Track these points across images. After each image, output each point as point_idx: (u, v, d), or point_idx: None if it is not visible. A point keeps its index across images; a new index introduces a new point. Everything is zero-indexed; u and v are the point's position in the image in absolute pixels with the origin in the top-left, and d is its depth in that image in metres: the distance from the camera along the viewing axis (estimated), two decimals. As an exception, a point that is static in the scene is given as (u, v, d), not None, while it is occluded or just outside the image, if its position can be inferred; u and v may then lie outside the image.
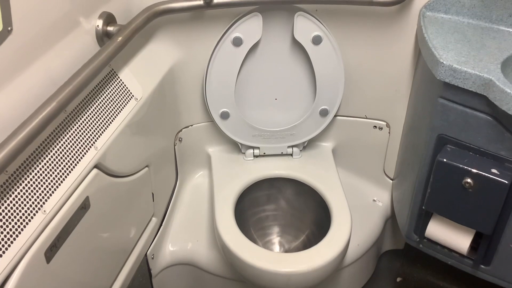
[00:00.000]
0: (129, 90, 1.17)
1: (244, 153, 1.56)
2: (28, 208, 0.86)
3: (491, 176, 1.11)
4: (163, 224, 1.47)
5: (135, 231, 1.29)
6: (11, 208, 0.83)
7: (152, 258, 1.41)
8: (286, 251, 1.53)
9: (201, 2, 1.23)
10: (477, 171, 1.13)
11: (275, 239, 1.56)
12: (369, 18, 1.34)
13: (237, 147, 1.58)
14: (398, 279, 1.73)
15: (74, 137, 0.98)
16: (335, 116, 1.55)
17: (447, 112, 1.15)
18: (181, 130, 1.54)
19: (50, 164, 0.91)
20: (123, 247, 1.25)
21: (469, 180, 1.14)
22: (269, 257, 1.24)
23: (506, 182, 1.10)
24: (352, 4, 1.28)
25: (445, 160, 1.16)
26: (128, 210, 1.22)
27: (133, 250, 1.29)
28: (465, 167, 1.14)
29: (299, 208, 1.56)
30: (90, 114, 1.04)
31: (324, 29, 1.33)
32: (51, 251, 0.89)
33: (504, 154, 1.11)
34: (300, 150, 1.57)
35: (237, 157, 1.57)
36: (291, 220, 1.57)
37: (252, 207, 1.54)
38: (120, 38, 1.06)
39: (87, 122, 1.02)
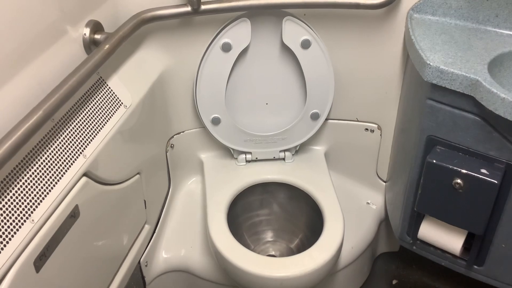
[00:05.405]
0: (118, 98, 1.17)
1: (236, 158, 1.56)
2: (16, 218, 0.85)
3: (480, 176, 1.11)
4: (156, 231, 1.47)
5: (128, 239, 1.29)
6: (-1, 217, 0.83)
7: (146, 266, 1.41)
8: (280, 255, 1.53)
9: (189, 9, 1.24)
10: (466, 171, 1.13)
11: (269, 244, 1.56)
12: (357, 21, 1.34)
13: (230, 153, 1.58)
14: (394, 282, 1.73)
15: (62, 145, 0.98)
16: (326, 119, 1.55)
17: (435, 113, 1.15)
18: (172, 137, 1.54)
19: (38, 173, 0.91)
20: (115, 255, 1.24)
21: (459, 180, 1.14)
22: (262, 262, 1.24)
23: (496, 182, 1.10)
24: (339, 8, 1.29)
25: (434, 161, 1.16)
26: (119, 217, 1.22)
27: (126, 258, 1.29)
28: (455, 168, 1.14)
29: (292, 213, 1.56)
30: (78, 122, 1.04)
31: (312, 33, 1.33)
32: (40, 260, 0.89)
33: (493, 154, 1.12)
34: (292, 154, 1.57)
35: (229, 163, 1.57)
36: (284, 225, 1.57)
37: (245, 212, 1.54)
38: (107, 46, 1.06)
39: (75, 131, 1.02)
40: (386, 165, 1.59)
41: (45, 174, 0.93)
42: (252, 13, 1.31)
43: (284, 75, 1.43)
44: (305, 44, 1.34)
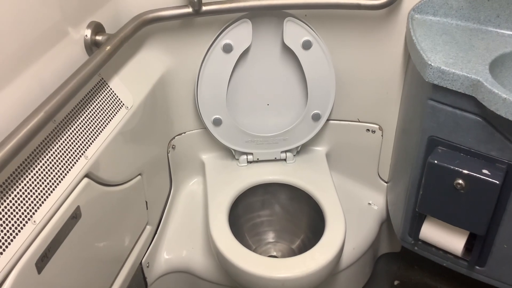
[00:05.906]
0: (119, 99, 1.17)
1: (237, 159, 1.56)
2: (18, 219, 0.85)
3: (482, 176, 1.11)
4: (157, 232, 1.47)
5: (129, 240, 1.29)
6: (0, 219, 0.83)
7: (147, 267, 1.41)
8: (282, 256, 1.52)
9: (190, 10, 1.24)
10: (468, 172, 1.13)
11: (270, 245, 1.56)
12: (359, 22, 1.34)
13: (231, 153, 1.58)
14: (396, 282, 1.73)
15: (64, 146, 0.98)
16: (328, 120, 1.55)
17: (437, 113, 1.15)
18: (174, 138, 1.54)
19: (39, 174, 0.91)
20: (117, 256, 1.24)
21: (460, 181, 1.14)
22: (263, 262, 1.24)
23: (497, 182, 1.10)
24: (340, 8, 1.29)
25: (436, 161, 1.16)
26: (121, 218, 1.22)
27: (128, 258, 1.29)
28: (456, 168, 1.14)
29: (293, 213, 1.55)
30: (80, 123, 1.04)
31: (313, 34, 1.33)
32: (42, 261, 0.89)
33: (495, 154, 1.11)
34: (294, 155, 1.57)
35: (231, 163, 1.57)
36: (286, 225, 1.57)
37: (246, 213, 1.54)
38: (108, 47, 1.06)
39: (77, 132, 1.02)
40: (388, 165, 1.59)
41: (47, 175, 0.93)
42: (253, 14, 1.31)
43: (285, 76, 1.43)
44: (306, 45, 1.34)
